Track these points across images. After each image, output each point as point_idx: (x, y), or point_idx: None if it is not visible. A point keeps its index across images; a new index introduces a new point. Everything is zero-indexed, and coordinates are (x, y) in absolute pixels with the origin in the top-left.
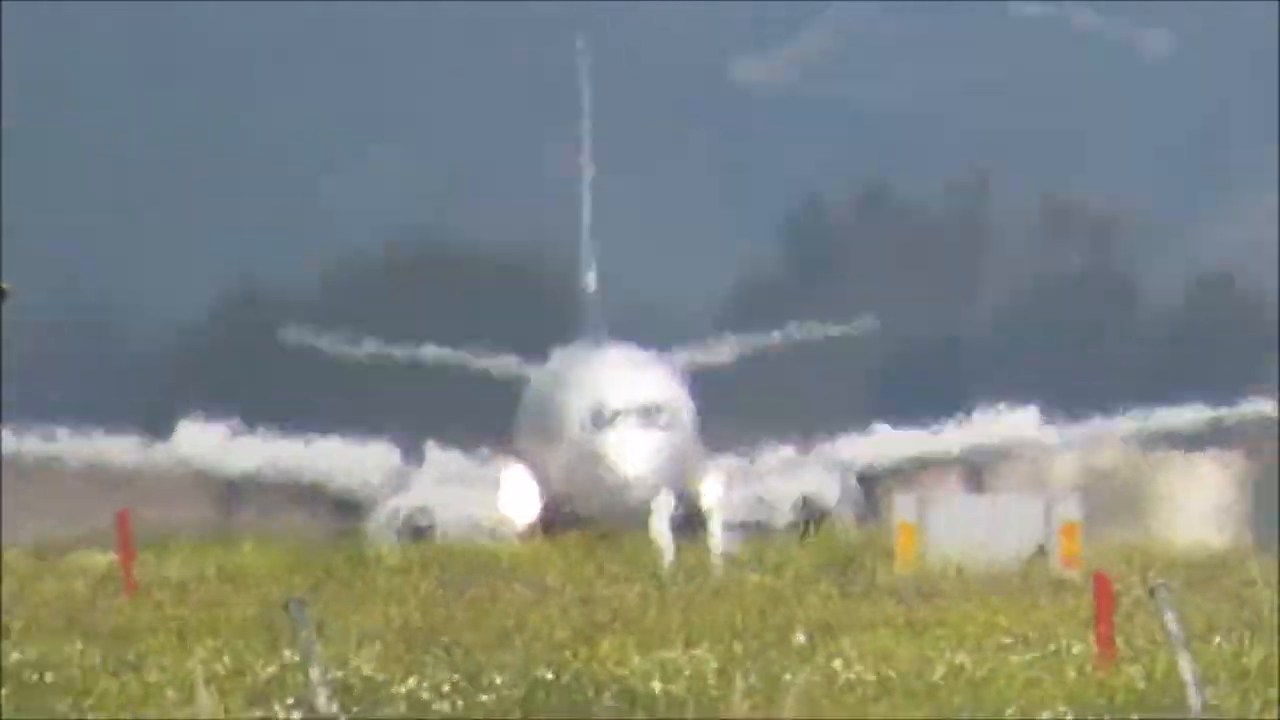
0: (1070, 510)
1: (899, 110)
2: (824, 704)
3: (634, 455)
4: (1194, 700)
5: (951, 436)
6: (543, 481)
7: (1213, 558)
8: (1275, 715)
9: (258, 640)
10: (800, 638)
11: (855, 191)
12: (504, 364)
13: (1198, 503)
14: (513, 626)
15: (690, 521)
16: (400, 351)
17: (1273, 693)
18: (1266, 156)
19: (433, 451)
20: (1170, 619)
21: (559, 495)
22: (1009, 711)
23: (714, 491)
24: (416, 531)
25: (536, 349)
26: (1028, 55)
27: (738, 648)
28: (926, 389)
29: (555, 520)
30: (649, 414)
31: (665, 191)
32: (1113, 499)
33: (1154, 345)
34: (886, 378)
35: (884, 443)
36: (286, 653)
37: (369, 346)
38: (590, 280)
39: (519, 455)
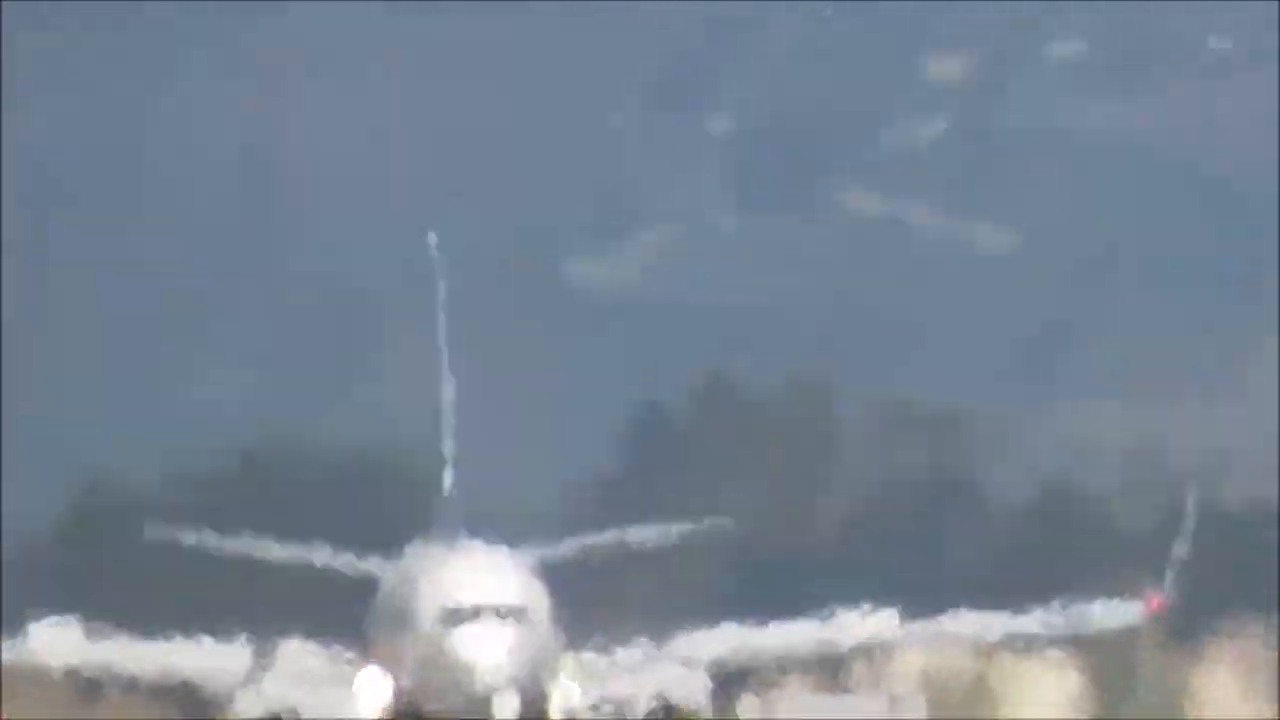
0: (914, 710)
1: (740, 308)
2: None
3: (485, 653)
4: None
5: (808, 635)
6: (396, 679)
7: None
8: None
9: None
10: None
11: (698, 390)
12: (359, 563)
13: (1042, 702)
14: None
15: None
16: (259, 550)
17: None
18: (1106, 356)
19: (287, 649)
20: None
21: (411, 693)
22: None
23: (567, 688)
24: None
25: (390, 548)
26: (867, 253)
27: None
28: (777, 588)
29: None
30: (500, 612)
31: (511, 392)
32: (959, 698)
33: (996, 548)
34: (740, 576)
35: (739, 640)
36: None
37: (229, 544)
38: (447, 480)
39: (373, 653)
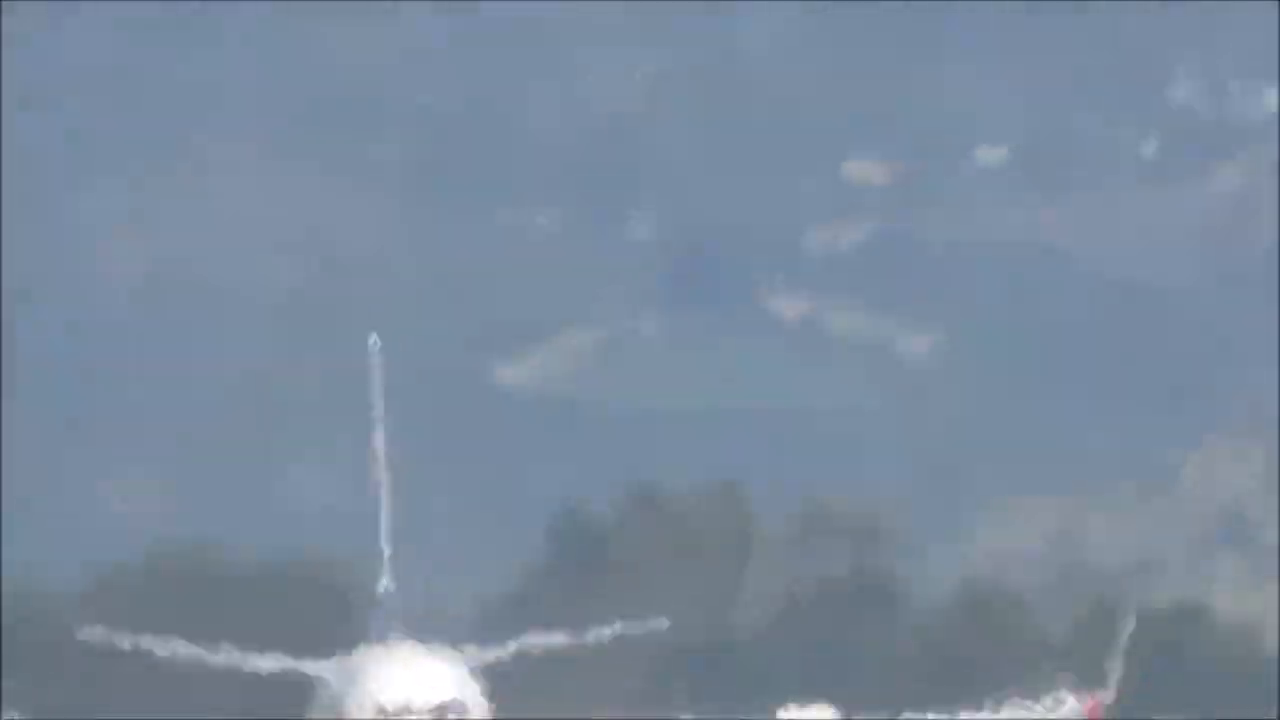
0: None
1: (659, 412)
2: None
3: None
4: None
5: None
6: None
7: None
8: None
9: None
10: None
11: (618, 495)
12: (295, 665)
13: None
14: None
15: None
16: (191, 651)
17: None
18: (1028, 462)
19: None
20: None
21: None
22: None
23: None
24: None
25: (324, 651)
26: (787, 357)
27: None
28: (702, 687)
29: None
30: (436, 712)
31: (436, 497)
32: None
33: (919, 649)
34: (668, 674)
35: None
36: None
37: (162, 647)
38: (386, 582)
39: None
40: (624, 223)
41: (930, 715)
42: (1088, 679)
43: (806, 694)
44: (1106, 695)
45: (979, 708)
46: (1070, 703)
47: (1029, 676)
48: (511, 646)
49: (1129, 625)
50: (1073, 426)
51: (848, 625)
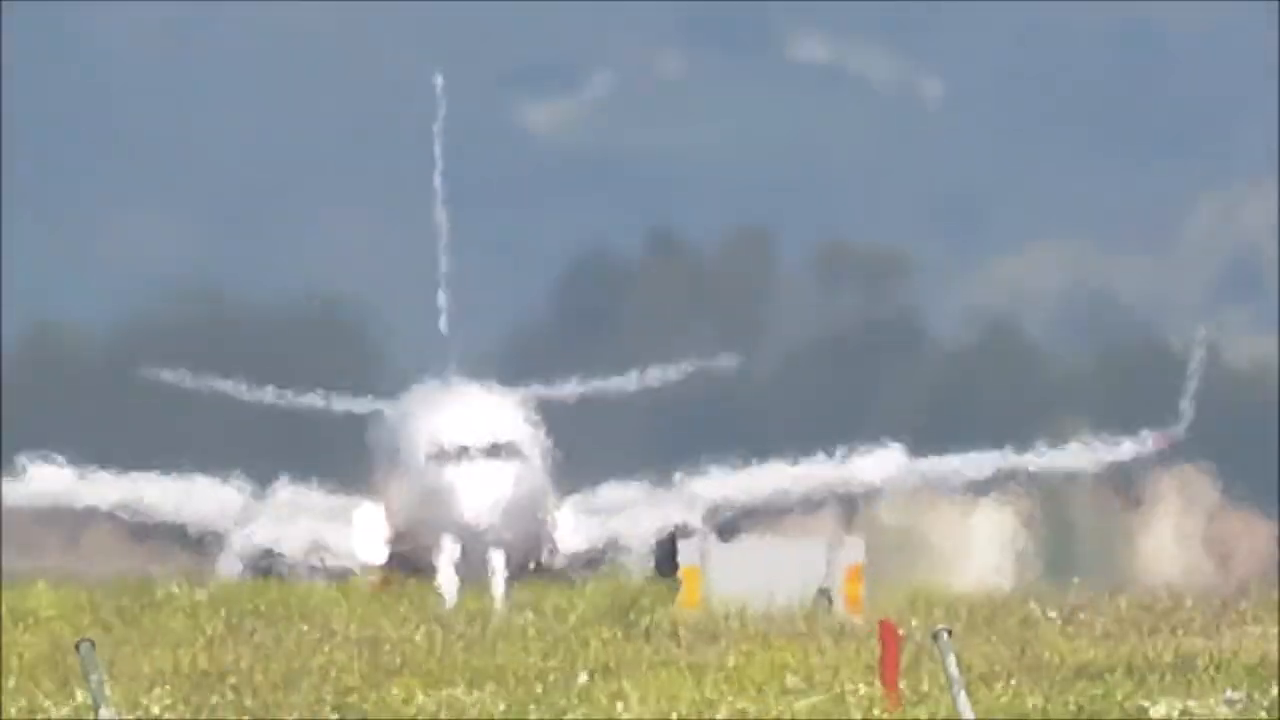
0: (853, 554)
1: (680, 157)
2: None
3: (478, 491)
4: None
5: (818, 473)
6: (391, 518)
7: (995, 599)
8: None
9: (50, 682)
10: (582, 678)
11: (635, 239)
12: (355, 403)
13: (980, 546)
14: (299, 668)
15: (537, 559)
16: (254, 390)
17: None
18: (1047, 203)
19: (282, 489)
20: (950, 664)
21: (407, 533)
22: None
23: (565, 527)
24: (263, 568)
25: (380, 392)
26: (806, 100)
27: (520, 691)
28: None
29: (408, 558)
30: (495, 450)
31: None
32: (897, 542)
33: (940, 390)
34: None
35: (742, 480)
36: (80, 694)
37: (224, 385)
38: (443, 322)
39: (371, 492)
40: None
41: (998, 452)
42: (1106, 422)
43: (827, 437)
44: (1176, 431)
45: (999, 448)
46: (1126, 445)
47: (1047, 418)
48: (569, 388)
49: (1199, 360)
50: (1088, 170)
51: (867, 366)
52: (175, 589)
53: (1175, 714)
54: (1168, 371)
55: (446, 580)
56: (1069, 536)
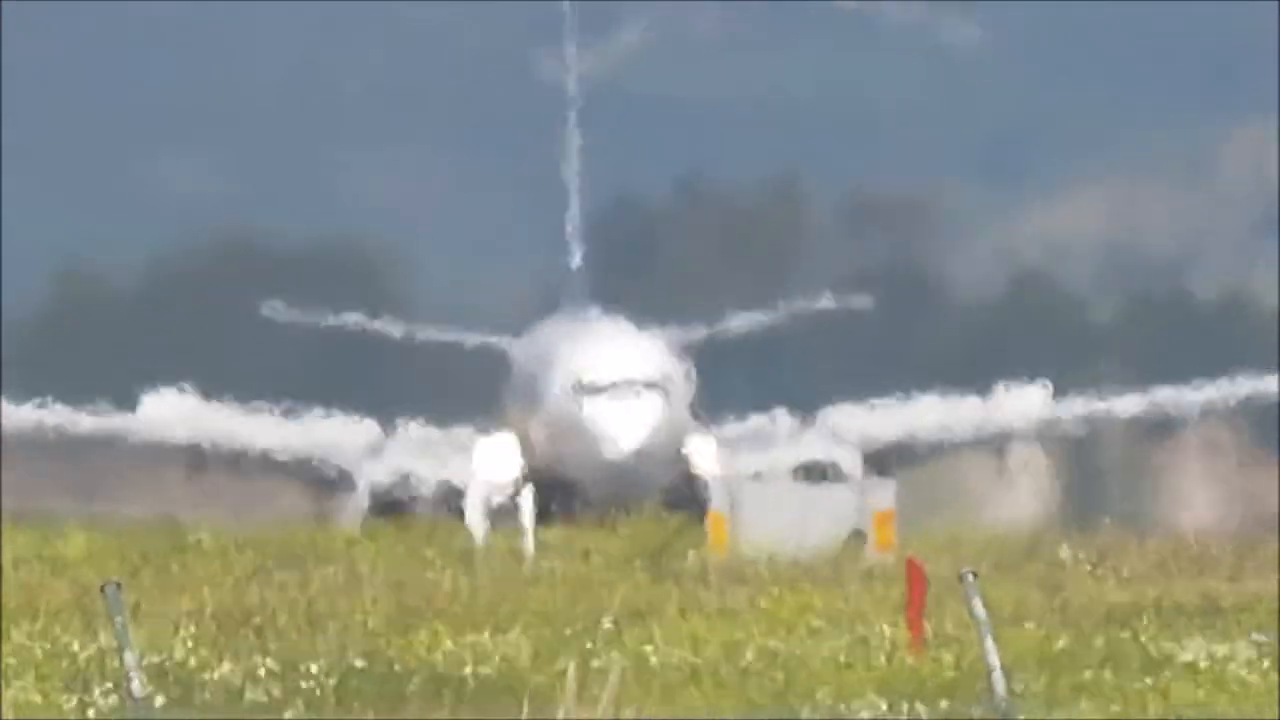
0: (883, 498)
1: (712, 104)
2: (634, 688)
3: (619, 425)
4: (998, 686)
5: (965, 410)
6: (528, 453)
7: (1025, 542)
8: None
9: (76, 624)
10: (609, 623)
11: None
12: (488, 340)
13: (1010, 489)
14: (326, 612)
15: (685, 494)
16: (383, 326)
17: (1078, 678)
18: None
19: (410, 427)
20: (976, 605)
21: (544, 468)
22: (819, 695)
23: (706, 462)
24: (392, 505)
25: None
26: (838, 46)
27: (547, 633)
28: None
29: (549, 497)
30: (633, 384)
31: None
32: (927, 485)
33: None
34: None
35: (889, 415)
36: (103, 636)
37: (353, 320)
38: (577, 257)
39: (505, 427)
40: None
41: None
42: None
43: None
44: None
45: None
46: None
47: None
48: (702, 329)
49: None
50: (1118, 111)
51: (898, 312)
52: (205, 534)
53: (1202, 656)
54: (1196, 318)
55: (475, 522)
56: (1099, 480)
